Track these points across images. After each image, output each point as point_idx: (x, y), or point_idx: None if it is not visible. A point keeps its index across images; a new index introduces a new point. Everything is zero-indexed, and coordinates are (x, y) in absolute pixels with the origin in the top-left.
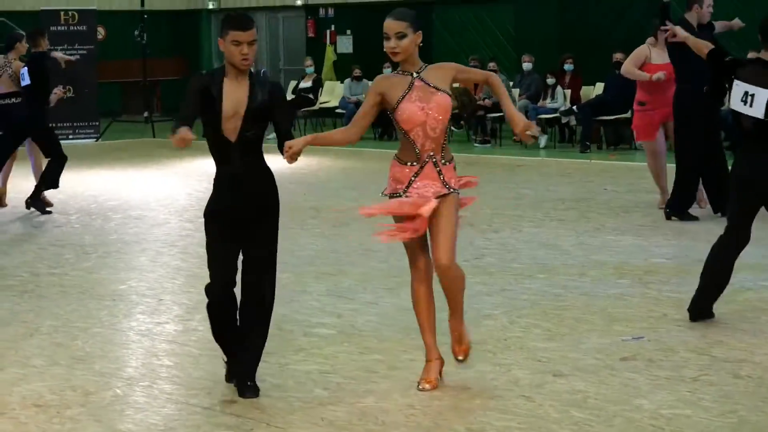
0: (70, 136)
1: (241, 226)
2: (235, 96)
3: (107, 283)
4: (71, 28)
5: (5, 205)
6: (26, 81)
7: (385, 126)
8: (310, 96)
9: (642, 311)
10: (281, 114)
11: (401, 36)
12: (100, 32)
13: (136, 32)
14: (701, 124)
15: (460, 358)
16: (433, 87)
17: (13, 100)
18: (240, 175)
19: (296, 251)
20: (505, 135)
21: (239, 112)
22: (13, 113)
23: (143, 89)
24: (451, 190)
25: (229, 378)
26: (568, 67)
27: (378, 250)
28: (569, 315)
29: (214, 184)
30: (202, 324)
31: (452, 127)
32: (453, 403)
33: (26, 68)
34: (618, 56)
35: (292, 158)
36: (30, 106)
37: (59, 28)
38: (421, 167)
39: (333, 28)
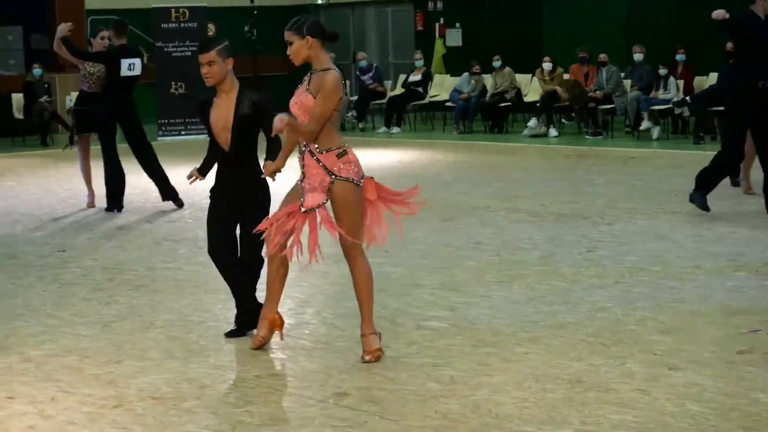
0: (182, 132)
1: (235, 210)
2: (222, 112)
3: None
4: (182, 25)
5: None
6: (137, 71)
7: (495, 119)
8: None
9: (759, 304)
10: (265, 123)
11: (289, 43)
12: (211, 29)
13: (246, 28)
14: (753, 115)
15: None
16: (307, 88)
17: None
18: (234, 176)
19: (409, 245)
20: (616, 127)
21: (227, 126)
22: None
23: (253, 85)
24: (336, 176)
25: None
26: (680, 57)
27: (489, 244)
28: (684, 308)
29: (216, 174)
30: (314, 317)
31: (563, 120)
32: (567, 396)
33: (139, 59)
34: (731, 46)
35: (272, 175)
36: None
37: (170, 25)
38: (302, 156)
39: (442, 21)
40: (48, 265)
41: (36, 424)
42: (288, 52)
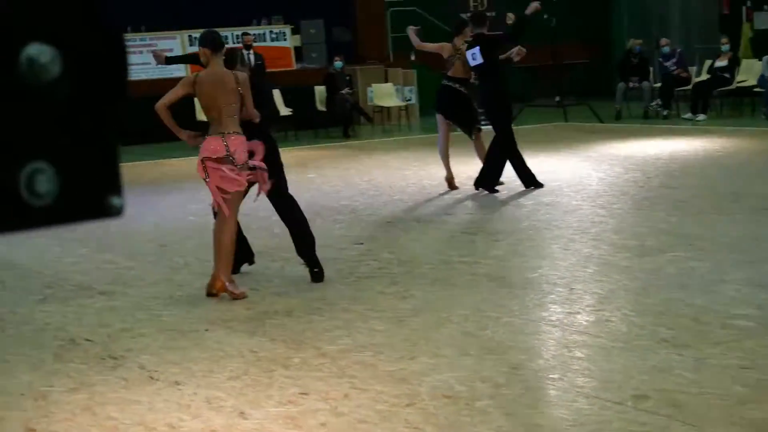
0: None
1: None
2: None
3: (518, 271)
4: None
5: (456, 188)
6: (478, 60)
7: None
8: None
9: None
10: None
11: None
12: (510, 17)
13: (545, 16)
14: None
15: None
16: None
17: (458, 85)
18: None
19: (715, 238)
20: None
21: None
22: (461, 97)
23: (553, 73)
24: None
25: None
26: None
27: None
28: None
29: None
30: (614, 314)
31: None
32: None
33: (477, 48)
34: None
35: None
36: (484, 84)
37: (467, 15)
38: None
39: (749, 4)
40: (346, 258)
41: (328, 422)
42: None
